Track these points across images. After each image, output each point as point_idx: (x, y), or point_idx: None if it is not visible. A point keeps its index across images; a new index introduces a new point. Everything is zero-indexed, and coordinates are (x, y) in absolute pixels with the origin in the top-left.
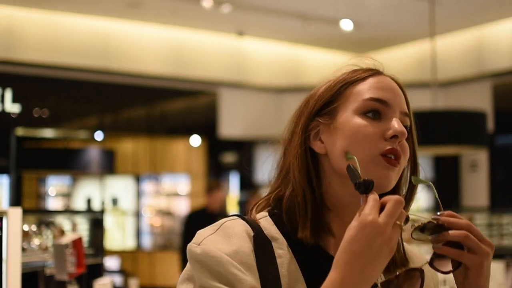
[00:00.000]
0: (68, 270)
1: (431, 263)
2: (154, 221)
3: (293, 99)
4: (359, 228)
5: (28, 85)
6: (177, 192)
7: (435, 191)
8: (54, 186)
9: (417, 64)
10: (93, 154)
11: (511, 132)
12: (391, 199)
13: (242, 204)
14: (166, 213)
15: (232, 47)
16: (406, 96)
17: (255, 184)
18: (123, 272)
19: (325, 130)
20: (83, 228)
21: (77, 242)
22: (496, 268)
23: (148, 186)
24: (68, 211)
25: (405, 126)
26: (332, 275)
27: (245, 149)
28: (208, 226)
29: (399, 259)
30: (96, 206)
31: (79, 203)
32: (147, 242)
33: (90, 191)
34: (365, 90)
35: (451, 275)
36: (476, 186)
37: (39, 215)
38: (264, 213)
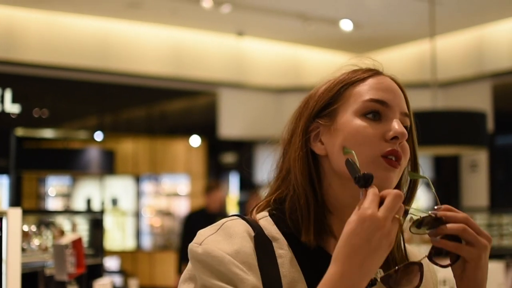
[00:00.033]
0: (68, 271)
1: (429, 257)
2: (154, 221)
3: (293, 99)
4: (359, 222)
5: (28, 85)
6: (177, 193)
7: (432, 185)
8: (54, 186)
9: (417, 64)
10: (93, 154)
11: (511, 132)
12: (390, 193)
13: (242, 204)
14: (166, 214)
15: (232, 47)
16: (406, 97)
17: (255, 184)
18: (123, 272)
19: (325, 132)
20: (83, 229)
21: (77, 243)
22: (496, 268)
23: (148, 187)
24: (68, 212)
25: (405, 127)
26: (332, 269)
27: (245, 149)
28: (209, 226)
29: (399, 256)
30: (96, 206)
31: (79, 204)
32: (147, 242)
33: (90, 192)
34: (365, 91)
35: (451, 275)
36: (476, 186)
37: (39, 215)
38: (264, 213)
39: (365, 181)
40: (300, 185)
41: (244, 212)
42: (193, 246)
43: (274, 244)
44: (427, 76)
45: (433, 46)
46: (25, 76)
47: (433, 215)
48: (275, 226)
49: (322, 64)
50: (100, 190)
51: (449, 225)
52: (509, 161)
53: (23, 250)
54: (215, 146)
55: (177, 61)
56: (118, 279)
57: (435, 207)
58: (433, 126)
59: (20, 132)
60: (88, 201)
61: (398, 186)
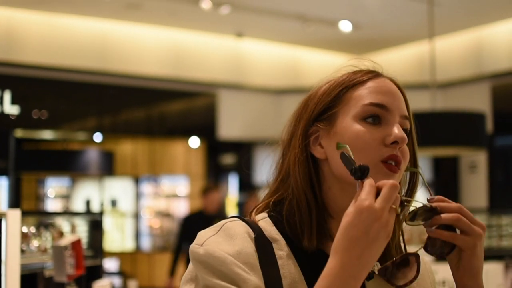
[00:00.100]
0: (67, 272)
1: (425, 247)
2: (153, 222)
3: (292, 100)
4: (356, 214)
5: (27, 87)
6: (176, 194)
7: (423, 176)
8: (53, 187)
9: (416, 65)
10: (92, 155)
11: (510, 133)
12: (386, 183)
13: (241, 206)
14: (165, 215)
15: (231, 49)
16: (406, 99)
17: (254, 185)
18: (122, 273)
19: (325, 136)
20: (82, 230)
21: (76, 244)
22: (496, 269)
23: (147, 188)
24: (67, 213)
25: (405, 129)
26: (331, 262)
27: (244, 151)
28: (209, 228)
29: (396, 248)
30: (95, 207)
31: (78, 205)
32: (146, 243)
33: (89, 193)
34: (365, 94)
35: (450, 276)
36: (475, 187)
37: (38, 216)
38: (264, 214)
39: (361, 173)
40: (301, 189)
41: (243, 214)
42: (194, 247)
43: (274, 245)
44: (426, 77)
45: (432, 47)
46: (24, 78)
47: (427, 206)
48: (274, 227)
49: (321, 65)
50: (99, 191)
51: (443, 215)
52: (508, 162)
53: (22, 251)
54: (214, 147)
55: (176, 62)
56: (117, 281)
57: (428, 198)
58: (432, 127)
59: (19, 133)
60: (87, 203)
61: None
